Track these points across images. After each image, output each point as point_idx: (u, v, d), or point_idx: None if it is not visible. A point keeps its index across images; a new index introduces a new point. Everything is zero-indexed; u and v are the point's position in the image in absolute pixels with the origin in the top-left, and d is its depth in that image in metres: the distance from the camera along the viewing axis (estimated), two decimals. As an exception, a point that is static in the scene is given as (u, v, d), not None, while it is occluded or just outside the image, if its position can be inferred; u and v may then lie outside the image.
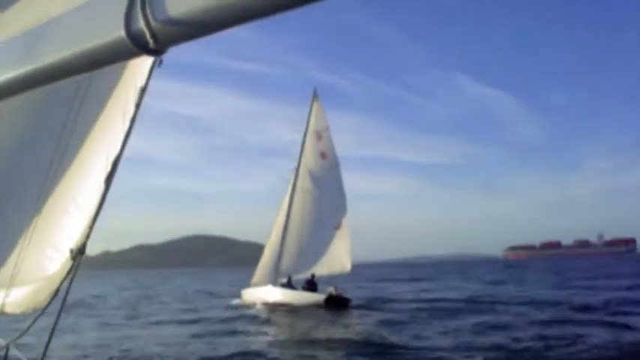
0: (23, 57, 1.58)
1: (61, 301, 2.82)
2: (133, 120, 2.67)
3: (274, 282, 31.99)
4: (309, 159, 34.06)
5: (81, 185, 2.98)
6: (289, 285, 31.71)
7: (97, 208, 2.79)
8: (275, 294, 31.19)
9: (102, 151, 2.84)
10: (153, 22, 1.27)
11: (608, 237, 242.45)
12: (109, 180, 2.73)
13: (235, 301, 33.94)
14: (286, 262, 32.73)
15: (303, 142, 34.21)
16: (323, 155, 34.05)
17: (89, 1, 1.45)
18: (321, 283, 31.64)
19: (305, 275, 32.01)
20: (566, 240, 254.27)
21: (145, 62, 2.66)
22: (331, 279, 32.50)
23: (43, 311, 2.88)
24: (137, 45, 1.31)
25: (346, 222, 33.50)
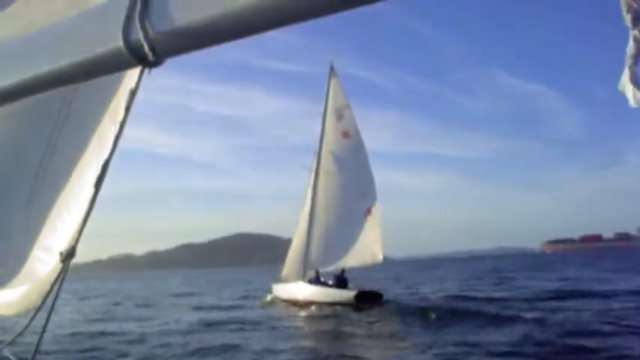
0: (20, 64, 1.52)
1: (51, 303, 2.64)
2: (122, 124, 2.48)
3: (304, 276, 29.60)
4: (330, 140, 30.67)
5: (72, 188, 2.89)
6: (317, 280, 29.25)
7: (86, 212, 2.60)
8: (305, 291, 28.83)
9: (92, 155, 2.77)
10: (151, 34, 1.23)
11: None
12: (98, 184, 2.53)
13: (268, 297, 32.18)
14: (314, 254, 30.05)
15: (323, 122, 30.94)
16: (345, 135, 30.51)
17: (87, 10, 1.42)
18: (353, 277, 29.08)
19: (335, 267, 29.28)
20: (607, 233, 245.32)
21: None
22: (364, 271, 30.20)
23: (34, 316, 2.75)
24: (135, 56, 1.27)
25: (376, 208, 30.01)
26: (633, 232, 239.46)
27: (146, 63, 1.29)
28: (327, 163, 30.50)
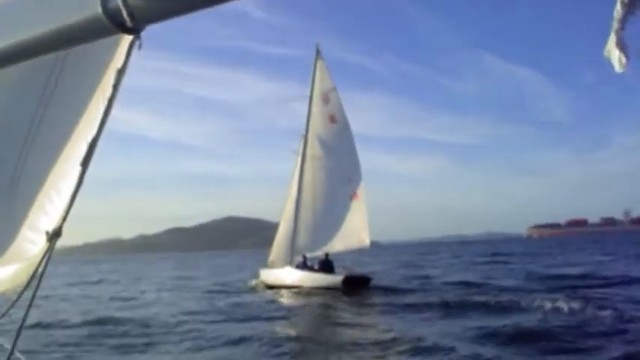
0: None
1: (37, 283, 2.67)
2: (110, 102, 2.45)
3: (291, 261, 29.47)
4: (317, 124, 30.36)
5: (59, 167, 2.84)
6: (305, 265, 29.10)
7: (73, 191, 2.62)
8: (293, 276, 28.75)
9: (80, 133, 2.70)
10: (130, 0, 1.22)
11: (634, 214, 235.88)
12: (85, 163, 2.54)
13: (254, 282, 32.19)
14: (301, 239, 29.87)
15: (310, 106, 30.55)
16: (332, 119, 30.24)
17: None
18: (340, 260, 28.93)
19: (322, 252, 29.16)
20: (593, 218, 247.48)
21: (124, 42, 2.43)
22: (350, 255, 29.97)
23: (19, 297, 2.78)
24: (113, 23, 1.26)
25: (362, 191, 29.89)
26: (619, 216, 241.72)
27: (125, 30, 1.26)
28: (313, 147, 30.25)
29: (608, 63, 1.13)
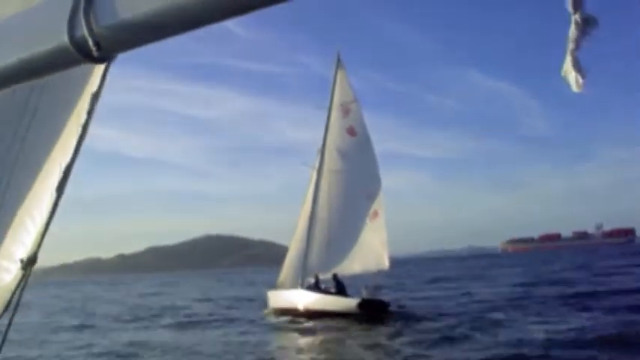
0: None
1: (12, 311, 2.59)
2: (85, 127, 2.43)
3: (302, 282, 27.12)
4: (336, 137, 28.26)
5: (33, 194, 2.79)
6: (317, 286, 26.75)
7: (48, 218, 2.62)
8: (304, 299, 26.31)
9: (55, 159, 2.67)
10: (96, 29, 1.18)
11: (607, 228, 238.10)
12: (60, 188, 2.54)
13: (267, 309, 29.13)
14: (314, 259, 27.58)
15: (328, 118, 28.43)
16: (351, 132, 28.14)
17: (31, 7, 1.37)
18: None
19: (340, 272, 27.03)
20: (568, 232, 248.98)
21: (99, 68, 2.43)
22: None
23: None
24: (80, 52, 1.22)
25: (382, 209, 27.62)
26: (591, 230, 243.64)
27: (92, 59, 1.22)
28: (331, 160, 28.15)
29: (565, 83, 1.12)
